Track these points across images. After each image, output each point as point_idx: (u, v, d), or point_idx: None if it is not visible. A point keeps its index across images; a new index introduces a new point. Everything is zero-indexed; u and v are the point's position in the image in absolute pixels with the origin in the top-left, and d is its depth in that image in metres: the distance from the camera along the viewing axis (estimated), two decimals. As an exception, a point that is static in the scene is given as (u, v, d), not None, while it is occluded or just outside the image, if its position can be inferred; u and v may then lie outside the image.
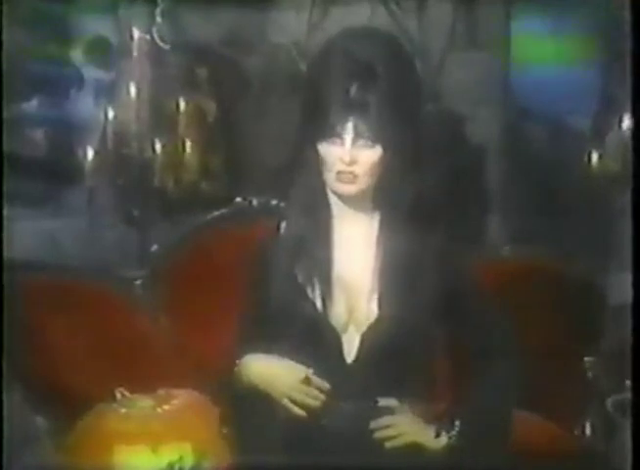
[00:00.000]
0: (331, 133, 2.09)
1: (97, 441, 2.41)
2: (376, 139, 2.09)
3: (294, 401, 2.12)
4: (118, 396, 2.52)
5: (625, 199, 2.33)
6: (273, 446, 2.11)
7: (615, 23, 2.86)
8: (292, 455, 2.08)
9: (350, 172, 2.10)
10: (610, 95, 3.07)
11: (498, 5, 3.16)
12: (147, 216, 3.16)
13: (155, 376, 2.60)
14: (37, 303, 2.55)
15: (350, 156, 2.08)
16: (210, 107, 3.22)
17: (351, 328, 2.13)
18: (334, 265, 2.15)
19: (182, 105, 3.16)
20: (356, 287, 2.14)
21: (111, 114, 3.10)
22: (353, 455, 2.06)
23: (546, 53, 3.20)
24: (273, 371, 2.16)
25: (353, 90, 2.07)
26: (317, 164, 2.14)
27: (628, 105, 2.48)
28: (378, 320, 2.11)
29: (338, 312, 2.13)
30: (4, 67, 2.51)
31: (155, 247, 2.84)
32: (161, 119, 3.15)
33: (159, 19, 3.09)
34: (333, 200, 2.17)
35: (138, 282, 2.79)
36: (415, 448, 2.10)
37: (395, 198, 2.14)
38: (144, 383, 2.56)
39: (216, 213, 2.83)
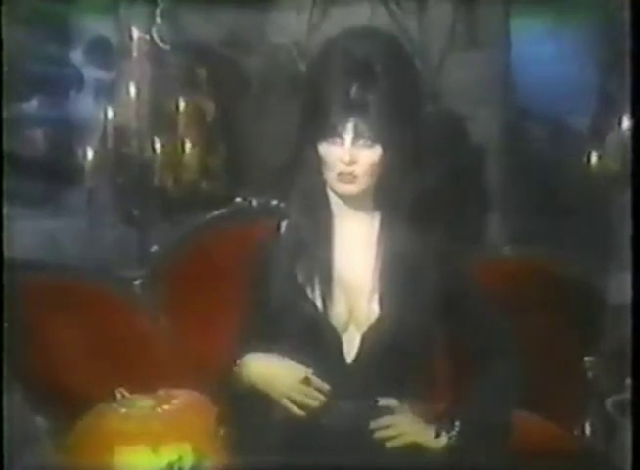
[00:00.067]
0: (331, 133, 2.09)
1: (97, 441, 2.41)
2: (376, 139, 2.09)
3: (293, 402, 2.12)
4: (118, 396, 2.53)
5: (625, 199, 2.33)
6: (273, 446, 2.11)
7: (615, 23, 2.86)
8: (292, 455, 2.08)
9: (350, 172, 2.10)
10: (609, 95, 3.06)
11: (498, 5, 3.16)
12: (147, 216, 3.15)
13: (155, 376, 2.60)
14: (37, 303, 2.55)
15: (350, 156, 2.08)
16: (210, 107, 3.21)
17: (352, 328, 2.13)
18: (334, 265, 2.15)
19: (182, 105, 3.16)
20: (357, 287, 2.14)
21: (110, 113, 3.10)
22: (353, 455, 2.06)
23: (546, 53, 3.20)
24: (273, 371, 2.16)
25: (353, 90, 2.07)
26: (317, 164, 2.14)
27: (628, 105, 2.48)
28: (378, 320, 2.11)
29: (338, 312, 2.13)
30: (4, 67, 2.51)
31: (155, 247, 2.84)
32: (161, 119, 3.15)
33: (158, 19, 3.09)
34: (333, 200, 2.17)
35: (138, 282, 2.79)
36: (415, 448, 2.10)
37: (396, 198, 2.14)
38: (144, 383, 2.56)
39: (216, 213, 2.83)
